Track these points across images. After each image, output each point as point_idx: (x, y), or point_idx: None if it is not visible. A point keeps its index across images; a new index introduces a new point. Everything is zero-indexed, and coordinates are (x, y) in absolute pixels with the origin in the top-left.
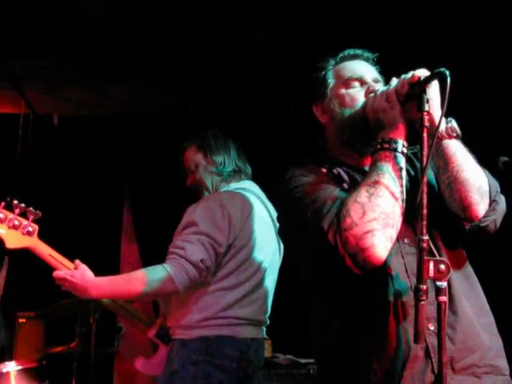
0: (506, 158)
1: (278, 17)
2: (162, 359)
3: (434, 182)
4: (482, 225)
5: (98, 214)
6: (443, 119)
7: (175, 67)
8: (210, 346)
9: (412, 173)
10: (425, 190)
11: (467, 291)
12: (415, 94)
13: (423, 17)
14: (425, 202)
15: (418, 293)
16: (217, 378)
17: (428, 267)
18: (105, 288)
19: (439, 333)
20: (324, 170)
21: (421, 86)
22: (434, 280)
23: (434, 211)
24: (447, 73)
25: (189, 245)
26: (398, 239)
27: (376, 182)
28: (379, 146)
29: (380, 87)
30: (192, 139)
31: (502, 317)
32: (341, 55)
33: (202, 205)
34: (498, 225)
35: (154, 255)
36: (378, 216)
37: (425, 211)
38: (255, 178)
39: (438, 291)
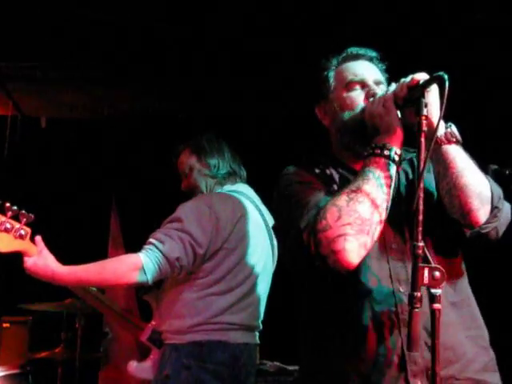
0: (496, 167)
1: (274, 20)
2: (155, 363)
3: (432, 189)
4: (483, 232)
5: (86, 219)
6: (443, 124)
7: (166, 71)
8: (201, 350)
9: (411, 177)
10: (421, 195)
11: (457, 301)
12: (414, 97)
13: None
14: (421, 207)
15: (412, 300)
16: (209, 383)
17: (423, 274)
18: (70, 277)
19: (433, 342)
20: (317, 171)
21: (420, 89)
22: (429, 287)
23: (428, 219)
24: (446, 77)
25: (169, 240)
26: (385, 245)
27: (359, 188)
28: (371, 151)
29: (380, 90)
30: (186, 143)
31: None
32: (343, 55)
33: (191, 203)
34: (501, 233)
35: None
36: (353, 221)
37: (420, 217)
38: (249, 182)
39: (433, 298)
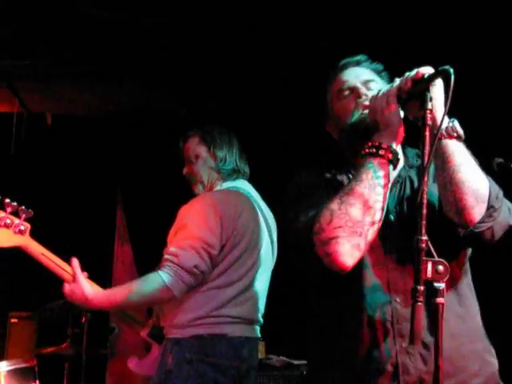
0: (501, 160)
1: (274, 16)
2: (155, 359)
3: (435, 198)
4: (477, 231)
5: (92, 214)
6: (446, 118)
7: (169, 67)
8: (203, 344)
9: (417, 185)
10: (425, 189)
11: (461, 311)
12: (418, 91)
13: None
14: (425, 201)
15: (415, 294)
16: (211, 377)
17: (426, 268)
18: (104, 302)
19: (436, 338)
20: (328, 175)
21: (424, 83)
22: (432, 281)
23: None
24: (451, 71)
25: (182, 251)
26: (385, 253)
27: (351, 189)
28: (367, 150)
29: (377, 87)
30: (196, 130)
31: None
32: (335, 69)
33: (195, 206)
34: (498, 235)
35: (147, 255)
36: (345, 224)
37: (424, 211)
38: (250, 179)
39: (436, 293)
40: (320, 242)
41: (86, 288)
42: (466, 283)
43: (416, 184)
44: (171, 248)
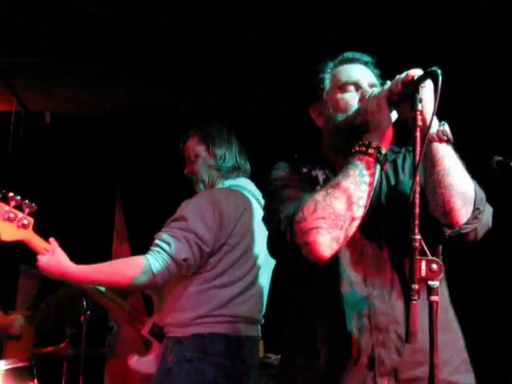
0: (500, 158)
1: (273, 15)
2: (156, 357)
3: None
4: (463, 232)
5: (90, 213)
6: (436, 121)
7: (167, 65)
8: (203, 343)
9: (393, 182)
10: (417, 189)
11: None
12: (408, 93)
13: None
14: (417, 201)
15: (410, 292)
16: (211, 376)
17: (420, 267)
18: (81, 277)
19: (431, 334)
20: (304, 170)
21: (414, 85)
22: (426, 279)
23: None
24: (439, 72)
25: (176, 241)
26: (361, 250)
27: (337, 183)
28: (357, 149)
29: (376, 89)
30: (196, 129)
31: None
32: (340, 58)
33: (194, 201)
34: (480, 236)
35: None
36: (328, 216)
37: (417, 210)
38: (251, 177)
39: (430, 291)
40: (300, 231)
41: (64, 260)
42: (443, 279)
43: (392, 179)
44: (165, 235)
